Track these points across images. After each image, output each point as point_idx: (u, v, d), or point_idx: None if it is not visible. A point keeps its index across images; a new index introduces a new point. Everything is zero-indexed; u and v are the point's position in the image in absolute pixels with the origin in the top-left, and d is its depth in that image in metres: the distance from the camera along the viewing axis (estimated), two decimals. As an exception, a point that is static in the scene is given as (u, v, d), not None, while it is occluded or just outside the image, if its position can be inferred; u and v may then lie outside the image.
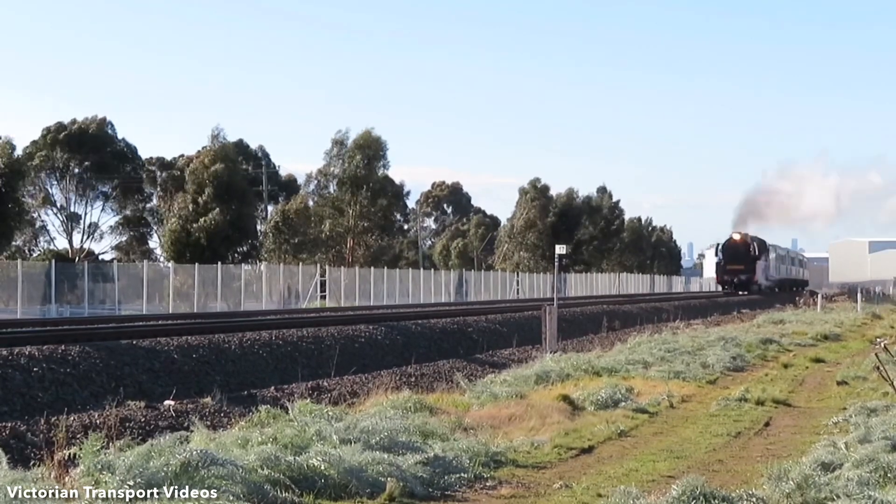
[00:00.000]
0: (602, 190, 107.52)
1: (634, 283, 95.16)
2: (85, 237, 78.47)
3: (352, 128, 75.09)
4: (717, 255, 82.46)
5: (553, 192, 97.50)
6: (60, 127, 74.71)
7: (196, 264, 50.33)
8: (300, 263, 62.85)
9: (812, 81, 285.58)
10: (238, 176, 64.91)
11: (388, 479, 9.93)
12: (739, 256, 78.45)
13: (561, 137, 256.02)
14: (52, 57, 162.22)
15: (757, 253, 79.94)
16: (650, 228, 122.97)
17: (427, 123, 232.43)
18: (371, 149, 72.86)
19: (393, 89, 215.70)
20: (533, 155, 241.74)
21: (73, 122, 75.58)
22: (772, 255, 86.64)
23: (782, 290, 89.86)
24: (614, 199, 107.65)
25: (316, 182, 75.67)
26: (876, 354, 11.80)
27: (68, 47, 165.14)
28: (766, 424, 15.73)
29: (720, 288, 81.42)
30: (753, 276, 78.86)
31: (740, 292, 77.04)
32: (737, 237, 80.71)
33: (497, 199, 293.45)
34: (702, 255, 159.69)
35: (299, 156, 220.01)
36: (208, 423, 13.31)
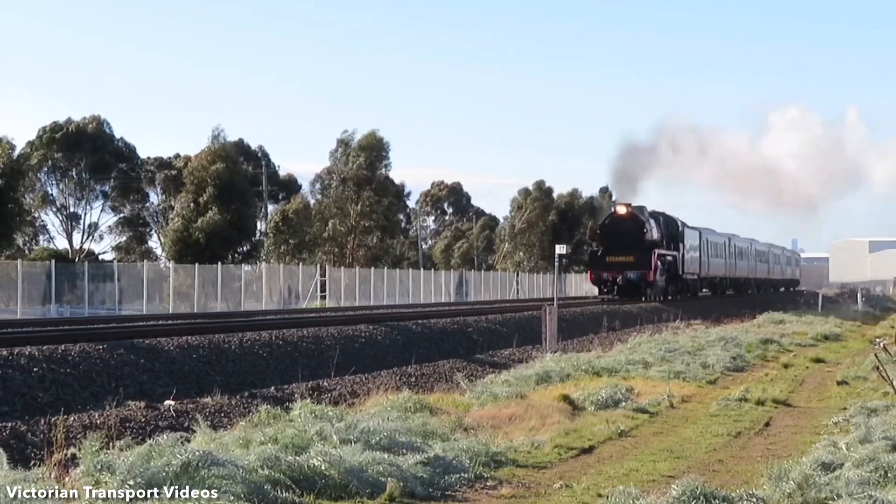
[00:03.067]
0: (604, 190, 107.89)
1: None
2: (85, 237, 78.53)
3: (357, 129, 75.90)
4: (591, 240, 53.80)
5: (556, 193, 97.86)
6: (57, 126, 74.66)
7: (196, 264, 50.40)
8: (300, 263, 62.94)
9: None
10: (238, 176, 65.02)
11: (389, 479, 9.94)
12: (625, 242, 48.92)
13: (562, 138, 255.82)
14: (45, 55, 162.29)
15: (656, 236, 51.11)
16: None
17: (427, 123, 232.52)
18: (374, 149, 73.27)
19: (393, 89, 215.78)
20: (534, 155, 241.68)
21: (70, 121, 75.54)
22: (690, 242, 57.30)
23: (716, 293, 66.12)
24: (614, 199, 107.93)
25: (321, 182, 76.12)
26: (876, 354, 11.82)
27: (62, 46, 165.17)
28: (767, 424, 15.74)
29: (596, 291, 52.92)
30: (648, 274, 49.12)
31: (635, 298, 49.05)
32: (622, 211, 50.54)
33: (497, 199, 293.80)
34: None
35: (299, 156, 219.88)
36: (209, 423, 13.31)
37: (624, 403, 16.91)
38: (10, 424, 12.54)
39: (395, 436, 11.53)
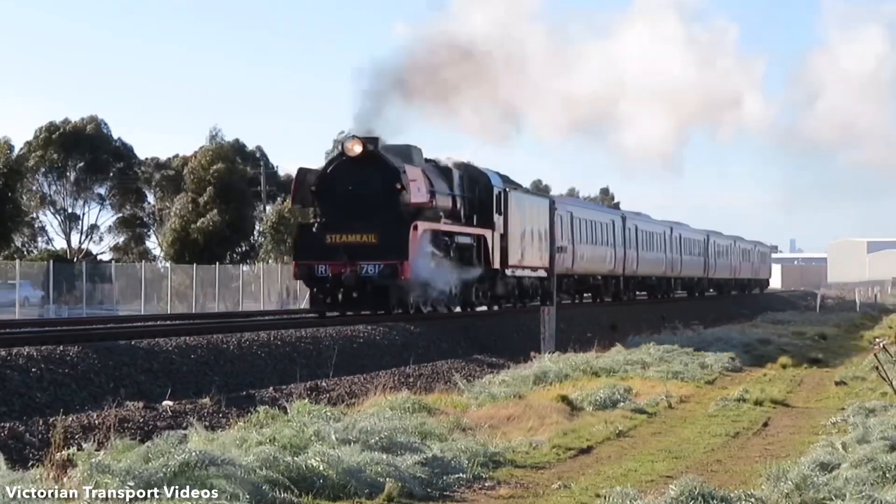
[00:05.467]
0: (605, 191, 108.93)
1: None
2: (83, 237, 78.47)
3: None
4: (298, 204, 33.08)
5: (554, 193, 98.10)
6: (53, 127, 74.52)
7: (194, 265, 50.46)
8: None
9: None
10: (237, 176, 65.09)
11: (387, 479, 9.95)
12: (360, 207, 26.66)
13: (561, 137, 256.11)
14: (42, 55, 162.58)
15: (427, 198, 27.72)
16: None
17: (425, 123, 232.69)
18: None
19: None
20: (534, 155, 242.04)
21: (67, 121, 75.41)
22: (525, 215, 34.38)
23: (600, 299, 43.98)
24: (615, 200, 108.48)
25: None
26: (875, 355, 11.84)
27: (59, 46, 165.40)
28: (765, 425, 15.74)
29: (308, 302, 32.02)
30: (401, 266, 25.92)
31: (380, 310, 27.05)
32: (356, 150, 26.94)
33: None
34: None
35: (298, 156, 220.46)
36: (206, 423, 13.33)
37: (622, 404, 16.90)
38: (8, 425, 12.54)
39: (393, 436, 11.54)
